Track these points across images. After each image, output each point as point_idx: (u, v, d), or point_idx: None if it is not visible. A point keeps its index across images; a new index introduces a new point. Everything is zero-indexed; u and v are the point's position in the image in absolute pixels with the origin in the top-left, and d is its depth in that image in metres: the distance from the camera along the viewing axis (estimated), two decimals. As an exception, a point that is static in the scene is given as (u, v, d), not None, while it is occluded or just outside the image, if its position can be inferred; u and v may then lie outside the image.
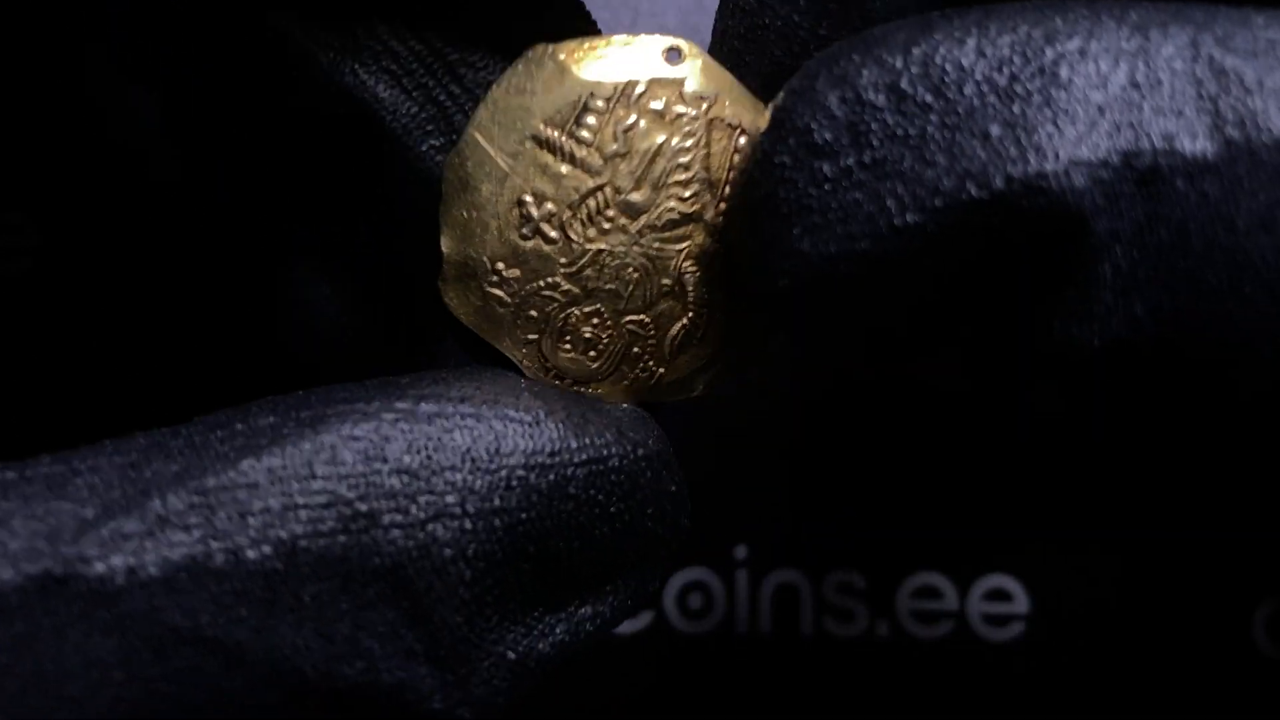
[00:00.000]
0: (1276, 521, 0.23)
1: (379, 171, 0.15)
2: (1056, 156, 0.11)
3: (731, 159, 0.14)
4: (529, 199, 0.15)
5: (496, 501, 0.13)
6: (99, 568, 0.12)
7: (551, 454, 0.13)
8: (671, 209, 0.15)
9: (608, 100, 0.14)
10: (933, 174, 0.11)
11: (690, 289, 0.15)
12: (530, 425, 0.13)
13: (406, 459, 0.12)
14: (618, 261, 0.15)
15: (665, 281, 0.15)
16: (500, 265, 0.15)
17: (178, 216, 0.24)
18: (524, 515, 0.13)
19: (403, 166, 0.15)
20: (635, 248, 0.15)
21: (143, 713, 0.11)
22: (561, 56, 0.14)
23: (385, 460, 0.12)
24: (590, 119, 0.14)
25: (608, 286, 0.15)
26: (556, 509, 0.13)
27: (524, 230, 0.15)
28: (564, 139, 0.14)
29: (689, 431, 0.18)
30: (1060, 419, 0.12)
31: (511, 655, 0.13)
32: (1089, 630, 0.23)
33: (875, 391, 0.23)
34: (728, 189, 0.14)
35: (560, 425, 0.13)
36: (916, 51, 0.12)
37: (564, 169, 0.14)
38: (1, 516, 0.12)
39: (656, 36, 0.15)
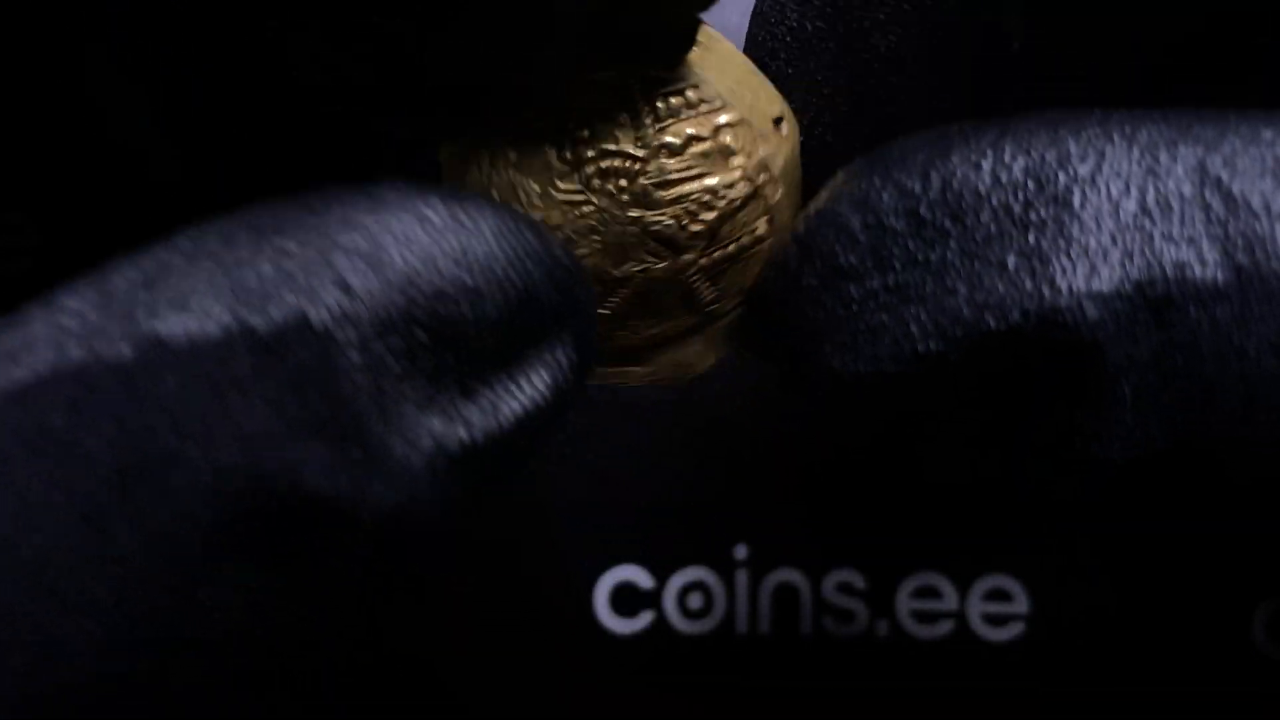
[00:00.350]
0: (1276, 521, 0.23)
1: (375, 174, 0.15)
2: (1070, 290, 0.11)
3: (749, 236, 0.15)
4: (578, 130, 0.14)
5: (386, 258, 0.12)
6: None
7: (440, 225, 0.12)
8: (669, 224, 0.14)
9: (701, 100, 0.14)
10: (953, 302, 0.12)
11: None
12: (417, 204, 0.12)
13: (293, 242, 0.12)
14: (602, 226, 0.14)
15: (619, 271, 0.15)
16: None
17: (177, 216, 0.24)
18: (409, 278, 0.12)
19: (400, 170, 0.14)
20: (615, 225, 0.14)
21: (10, 538, 0.10)
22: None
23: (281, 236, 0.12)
24: (675, 100, 0.14)
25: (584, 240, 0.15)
26: (441, 276, 0.12)
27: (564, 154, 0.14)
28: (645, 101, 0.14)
29: (689, 431, 0.19)
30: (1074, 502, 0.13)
31: (428, 441, 0.12)
32: (1089, 630, 0.23)
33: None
34: (728, 249, 0.14)
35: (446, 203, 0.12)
36: (934, 176, 0.12)
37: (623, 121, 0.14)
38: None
39: (777, 96, 0.15)
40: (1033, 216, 0.12)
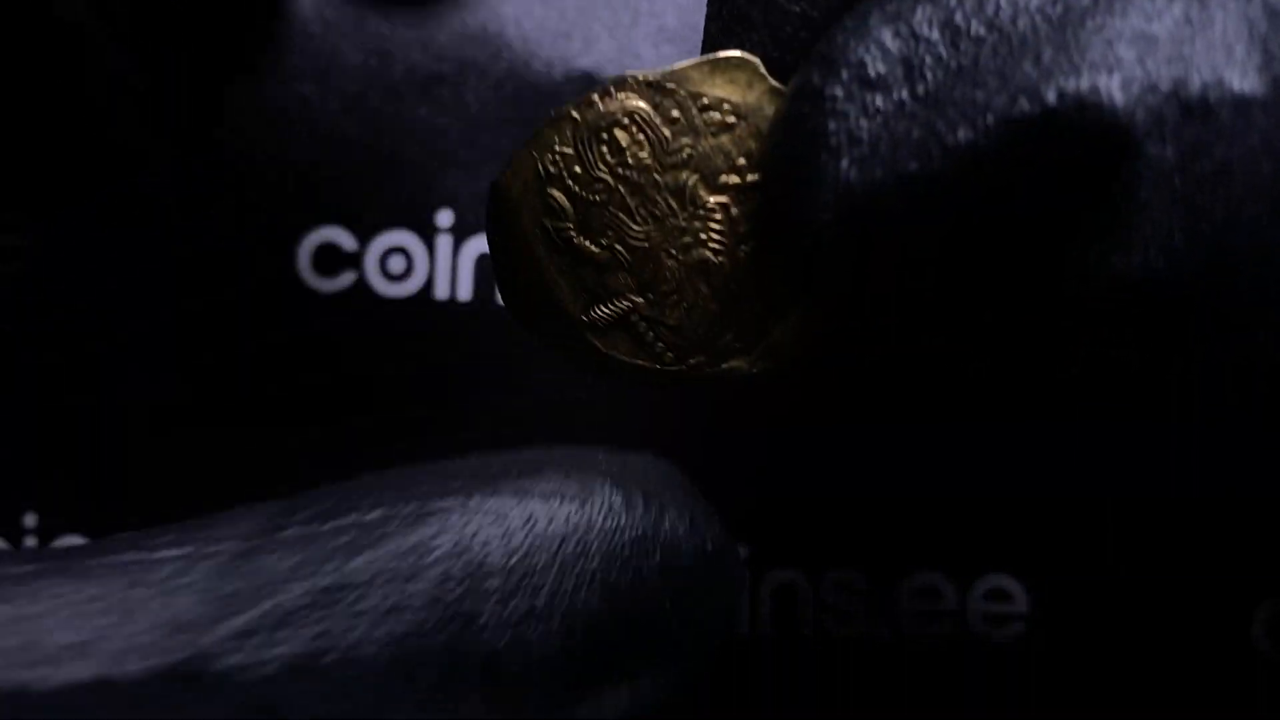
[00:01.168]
0: (1276, 521, 0.23)
1: None
2: (1110, 72, 0.11)
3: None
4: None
5: (580, 602, 0.14)
6: (223, 663, 0.12)
7: (631, 545, 0.14)
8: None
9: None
10: (983, 95, 0.12)
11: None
12: (615, 511, 0.14)
13: (503, 562, 0.13)
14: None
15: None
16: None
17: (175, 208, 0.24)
18: (602, 610, 0.14)
19: None
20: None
21: None
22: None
23: (483, 566, 0.13)
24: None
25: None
26: (634, 606, 0.14)
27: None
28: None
29: (688, 431, 0.19)
30: (1093, 369, 0.13)
31: None
32: (1089, 630, 0.23)
33: (883, 384, 0.23)
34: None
35: (638, 519, 0.14)
36: None
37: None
38: (131, 607, 0.13)
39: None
40: (1071, 18, 0.12)
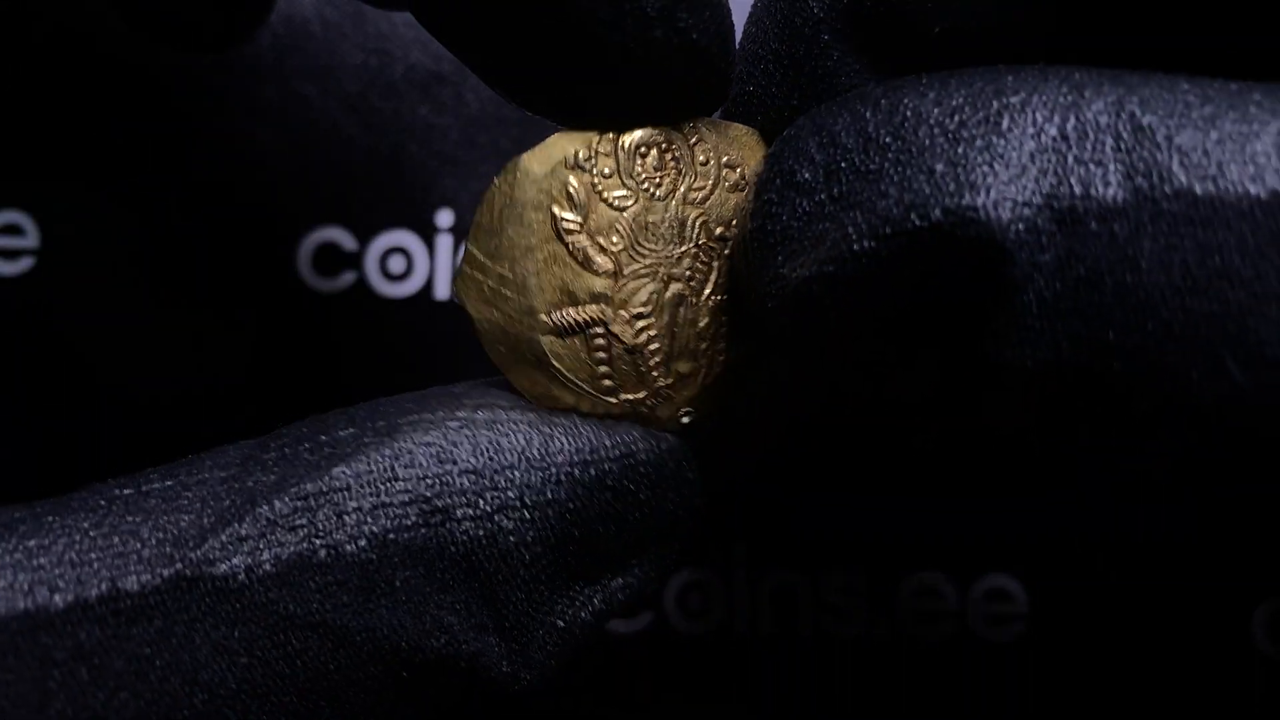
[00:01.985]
0: (1276, 522, 0.23)
1: None
2: (987, 193, 0.12)
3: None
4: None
5: (549, 494, 0.15)
6: (222, 568, 0.13)
7: (591, 451, 0.15)
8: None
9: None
10: (884, 204, 0.13)
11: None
12: (570, 427, 0.15)
13: (473, 460, 0.15)
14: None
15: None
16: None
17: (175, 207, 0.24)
18: (571, 505, 0.15)
19: None
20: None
21: (265, 690, 0.14)
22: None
23: (455, 462, 0.14)
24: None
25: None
26: (597, 498, 0.15)
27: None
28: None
29: (687, 432, 0.19)
30: (1014, 431, 0.14)
31: (560, 624, 0.15)
32: (1089, 630, 0.23)
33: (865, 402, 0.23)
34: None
35: (595, 426, 0.15)
36: (884, 102, 0.13)
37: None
38: (131, 528, 0.14)
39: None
40: (964, 134, 0.13)
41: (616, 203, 0.16)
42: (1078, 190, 0.12)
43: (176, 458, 0.20)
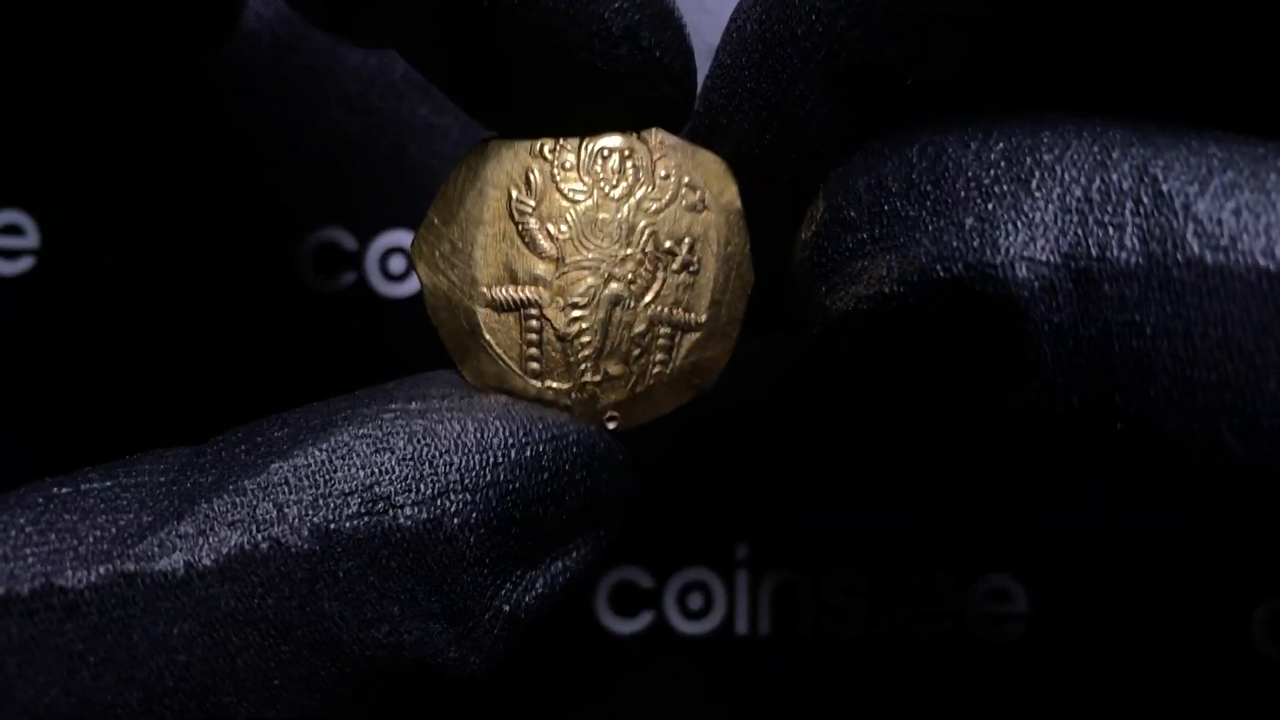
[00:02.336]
0: (1276, 522, 0.23)
1: None
2: (1008, 251, 0.13)
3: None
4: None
5: (488, 476, 0.15)
6: (162, 564, 0.13)
7: (524, 434, 0.15)
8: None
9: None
10: (916, 252, 0.14)
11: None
12: (502, 412, 0.16)
13: (409, 448, 0.15)
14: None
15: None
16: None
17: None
18: (510, 486, 0.15)
19: None
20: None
21: (204, 689, 0.13)
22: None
23: (392, 451, 0.15)
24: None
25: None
26: (534, 479, 0.15)
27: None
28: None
29: (688, 431, 0.19)
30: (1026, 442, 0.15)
31: (506, 608, 0.15)
32: (1089, 630, 0.23)
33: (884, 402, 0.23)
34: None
35: (525, 411, 0.16)
36: (930, 149, 0.14)
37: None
38: (68, 526, 0.14)
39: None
40: (996, 190, 0.13)
41: (570, 194, 0.17)
42: (1094, 252, 0.12)
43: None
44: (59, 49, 0.23)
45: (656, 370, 0.17)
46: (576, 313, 0.17)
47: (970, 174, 0.13)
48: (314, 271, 0.24)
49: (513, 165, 0.17)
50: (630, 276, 0.17)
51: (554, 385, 0.17)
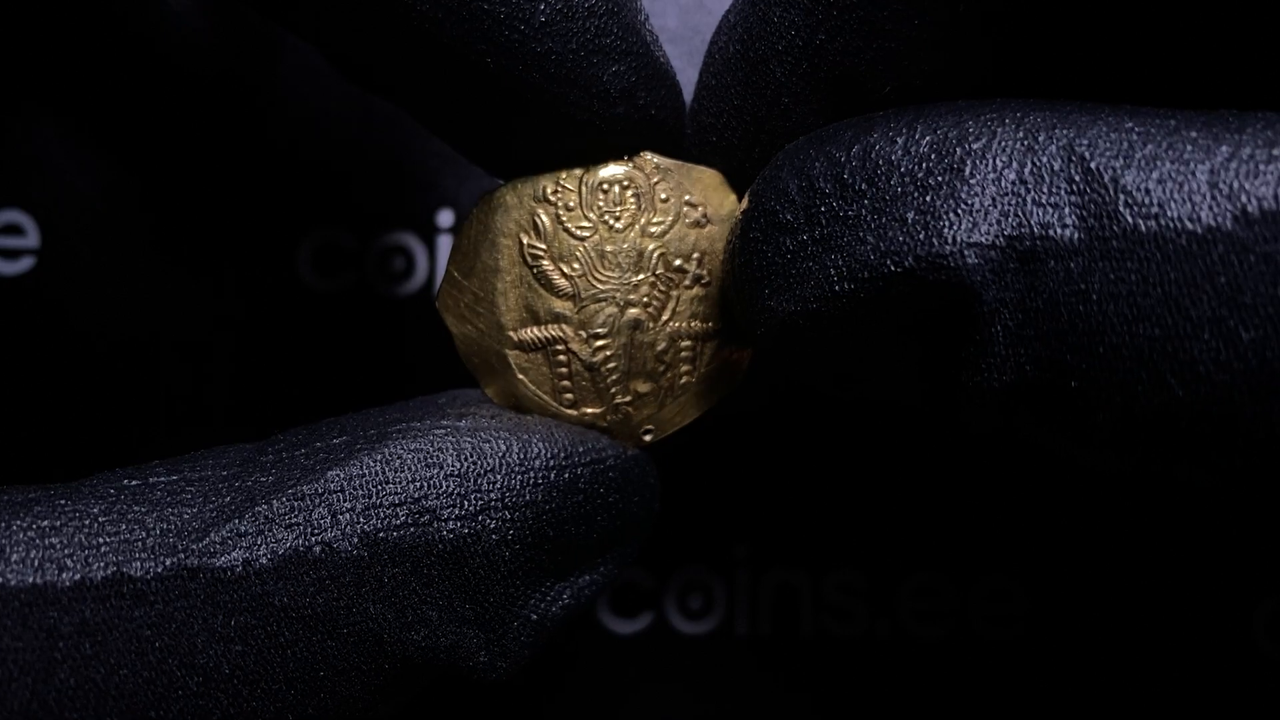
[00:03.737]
0: (1275, 522, 0.23)
1: None
2: (954, 240, 0.14)
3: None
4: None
5: (528, 496, 0.16)
6: (221, 560, 0.14)
7: (565, 457, 0.16)
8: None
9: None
10: (863, 250, 0.14)
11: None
12: (547, 435, 0.16)
13: (457, 464, 0.16)
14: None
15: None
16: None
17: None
18: (547, 506, 0.16)
19: None
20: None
21: (257, 676, 0.14)
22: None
23: (441, 466, 0.16)
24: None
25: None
26: (569, 500, 0.16)
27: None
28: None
29: (688, 432, 0.19)
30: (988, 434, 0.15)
31: (534, 616, 0.16)
32: (1089, 630, 0.23)
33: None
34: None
35: (568, 434, 0.17)
36: (858, 148, 0.15)
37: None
38: (137, 518, 0.14)
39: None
40: (931, 182, 0.14)
41: (578, 232, 0.17)
42: (1037, 232, 0.13)
43: (177, 455, 0.20)
44: (60, 50, 0.23)
45: (683, 381, 0.18)
46: (599, 342, 0.17)
47: (903, 169, 0.14)
48: (314, 271, 0.24)
49: (519, 213, 0.17)
50: (646, 300, 0.17)
51: (589, 411, 0.18)
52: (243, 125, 0.24)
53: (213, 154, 0.24)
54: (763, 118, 0.17)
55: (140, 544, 0.14)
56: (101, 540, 0.14)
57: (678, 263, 0.18)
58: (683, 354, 0.18)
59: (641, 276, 0.17)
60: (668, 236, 0.18)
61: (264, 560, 0.14)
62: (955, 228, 0.14)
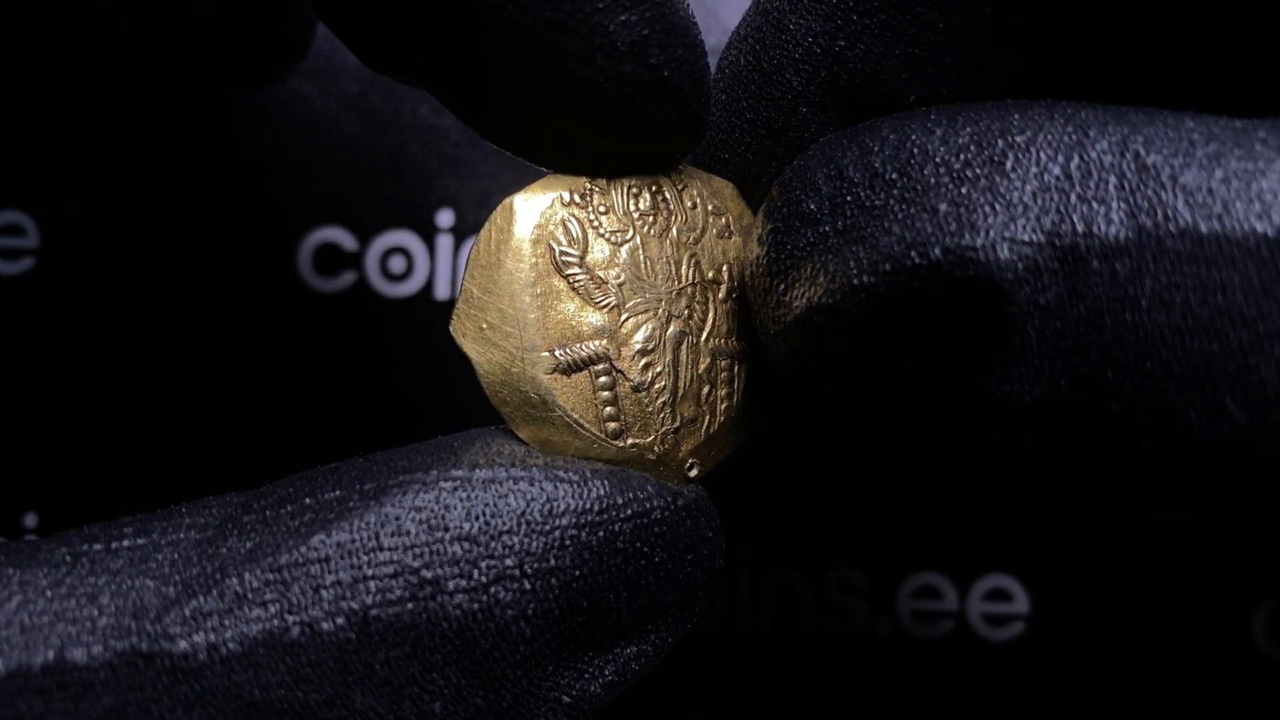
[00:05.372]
0: (1275, 522, 0.23)
1: None
2: (987, 233, 0.12)
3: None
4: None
5: (552, 561, 0.13)
6: (182, 645, 0.12)
7: (600, 511, 0.14)
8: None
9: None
10: (886, 241, 0.13)
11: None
12: (578, 484, 0.14)
13: (466, 526, 0.13)
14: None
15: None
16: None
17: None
18: (577, 572, 0.13)
19: None
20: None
21: None
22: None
23: (447, 529, 0.13)
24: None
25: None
26: (606, 564, 0.14)
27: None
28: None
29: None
30: (1008, 465, 0.14)
31: (566, 699, 0.14)
32: (1089, 630, 0.23)
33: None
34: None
35: (605, 483, 0.14)
36: (892, 137, 0.13)
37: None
38: (91, 592, 0.12)
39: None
40: (968, 173, 0.13)
41: (614, 238, 0.15)
42: (1080, 228, 0.12)
43: (176, 457, 0.20)
44: (60, 50, 0.23)
45: (724, 405, 0.16)
46: (646, 359, 0.15)
47: (939, 159, 0.13)
48: (314, 271, 0.24)
49: (547, 217, 0.15)
50: (686, 312, 0.16)
51: (637, 441, 0.15)
52: (243, 125, 0.24)
53: (213, 154, 0.24)
54: (779, 130, 0.16)
55: (89, 624, 0.12)
56: (46, 620, 0.12)
57: (711, 273, 0.16)
58: (722, 374, 0.16)
59: (681, 286, 0.16)
60: (700, 245, 0.16)
61: (231, 645, 0.12)
62: (990, 220, 0.12)
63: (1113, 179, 0.12)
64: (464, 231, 0.24)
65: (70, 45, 0.23)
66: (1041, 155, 0.12)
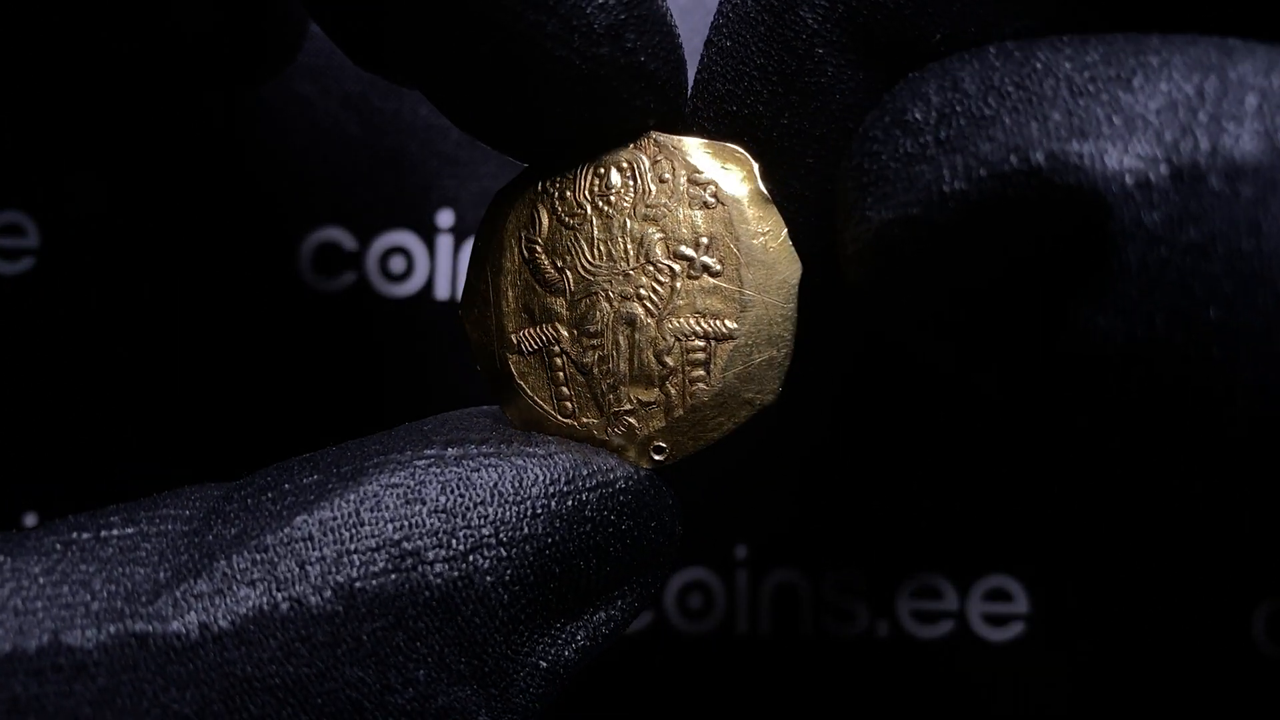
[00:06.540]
0: (1276, 522, 0.23)
1: None
2: (1097, 140, 0.11)
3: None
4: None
5: (525, 529, 0.14)
6: (174, 625, 0.12)
7: (567, 482, 0.14)
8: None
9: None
10: (987, 147, 0.12)
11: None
12: (545, 458, 0.15)
13: (442, 499, 0.14)
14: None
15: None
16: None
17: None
18: (549, 539, 0.14)
19: None
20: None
21: None
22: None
23: (423, 502, 0.14)
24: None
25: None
26: (576, 531, 0.14)
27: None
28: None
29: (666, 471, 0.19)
30: (1078, 428, 0.13)
31: (543, 664, 0.14)
32: (1089, 630, 0.23)
33: (891, 391, 0.23)
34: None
35: (570, 456, 0.15)
36: (1018, 54, 0.13)
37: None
38: (83, 578, 0.13)
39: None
40: (1090, 88, 0.12)
41: (570, 221, 0.16)
42: (1204, 145, 0.11)
43: (176, 457, 0.20)
44: (59, 50, 0.23)
45: (697, 389, 0.16)
46: (591, 341, 0.16)
47: (1061, 74, 0.12)
48: (314, 271, 0.24)
49: (521, 209, 0.16)
50: (644, 292, 0.16)
51: (588, 421, 0.16)
52: (243, 125, 0.24)
53: (213, 154, 0.24)
54: (792, 75, 0.15)
55: (83, 608, 0.12)
56: (40, 605, 0.12)
57: (683, 249, 0.16)
58: (692, 356, 0.16)
59: (638, 265, 0.16)
60: (667, 220, 0.16)
61: (223, 623, 0.12)
62: (1101, 128, 0.11)
63: (1251, 97, 0.11)
64: (464, 231, 0.24)
65: (70, 45, 0.23)
66: (1174, 74, 0.11)
